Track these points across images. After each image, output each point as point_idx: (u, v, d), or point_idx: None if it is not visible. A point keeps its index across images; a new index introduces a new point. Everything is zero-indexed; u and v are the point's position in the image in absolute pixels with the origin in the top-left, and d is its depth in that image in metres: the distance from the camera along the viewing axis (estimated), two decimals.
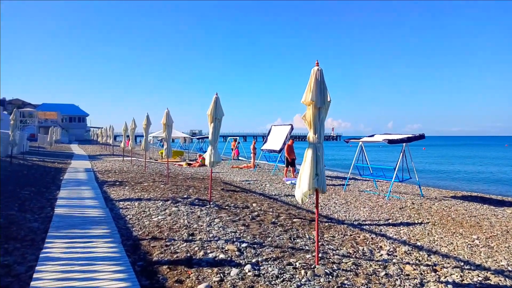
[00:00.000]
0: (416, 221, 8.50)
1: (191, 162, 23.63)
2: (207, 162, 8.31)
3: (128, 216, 7.20)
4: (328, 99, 4.62)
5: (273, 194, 12.16)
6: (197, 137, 32.86)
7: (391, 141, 11.09)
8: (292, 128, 17.96)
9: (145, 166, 16.85)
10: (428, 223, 8.36)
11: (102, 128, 43.11)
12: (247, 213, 8.06)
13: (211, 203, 8.72)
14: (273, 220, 7.60)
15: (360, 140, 12.70)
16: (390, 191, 11.38)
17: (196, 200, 9.01)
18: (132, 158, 22.27)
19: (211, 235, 6.02)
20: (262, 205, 9.37)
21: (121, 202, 8.56)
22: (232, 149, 28.17)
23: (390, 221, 8.55)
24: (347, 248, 6.09)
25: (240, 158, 27.88)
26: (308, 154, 4.71)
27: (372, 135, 13.00)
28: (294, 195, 11.75)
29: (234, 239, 5.85)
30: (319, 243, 6.23)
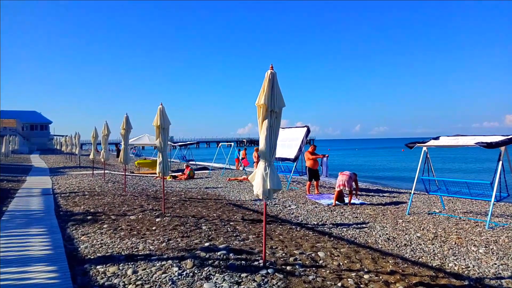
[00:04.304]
0: None
1: (175, 175, 19.69)
2: (258, 190, 4.60)
3: None
4: None
5: (314, 223, 8.62)
6: (179, 144, 28.85)
7: (490, 145, 7.77)
8: (308, 131, 14.44)
9: (125, 185, 12.85)
10: None
11: (66, 136, 38.21)
12: (336, 283, 4.44)
13: (266, 263, 4.98)
14: None
15: (425, 144, 9.33)
16: (490, 216, 8.02)
17: (232, 255, 5.26)
18: (105, 171, 18.08)
19: None
20: (332, 255, 5.77)
21: (100, 268, 4.71)
22: (243, 158, 24.14)
23: None
24: None
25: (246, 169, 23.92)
26: None
27: (437, 137, 9.67)
28: (342, 224, 8.19)
29: None
30: None
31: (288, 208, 10.49)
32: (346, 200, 11.01)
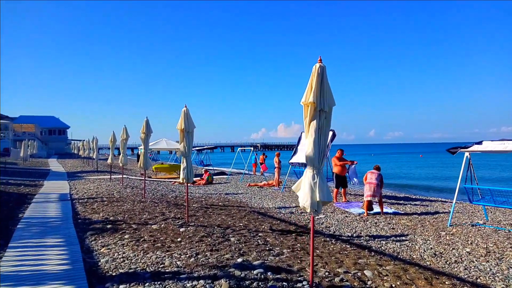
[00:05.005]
0: None
1: (194, 179, 19.20)
2: (305, 202, 3.99)
3: None
4: None
5: (349, 235, 7.98)
6: (197, 148, 28.45)
7: None
8: (334, 135, 13.75)
9: (145, 191, 12.39)
10: None
11: (84, 140, 38.29)
12: None
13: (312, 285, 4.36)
14: None
15: (469, 149, 8.59)
16: None
17: (270, 274, 4.66)
18: (123, 176, 17.70)
19: None
20: (380, 274, 5.12)
21: None
22: (261, 164, 23.65)
23: None
24: None
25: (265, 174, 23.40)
26: None
27: (480, 142, 8.92)
28: (379, 236, 7.48)
29: None
30: None
31: (316, 217, 9.84)
32: (375, 208, 10.33)
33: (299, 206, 11.30)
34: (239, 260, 5.19)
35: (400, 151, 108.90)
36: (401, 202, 12.70)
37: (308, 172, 4.01)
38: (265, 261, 5.20)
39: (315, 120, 3.93)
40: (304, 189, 3.98)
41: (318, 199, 3.91)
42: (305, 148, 4.03)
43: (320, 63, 3.94)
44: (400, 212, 10.47)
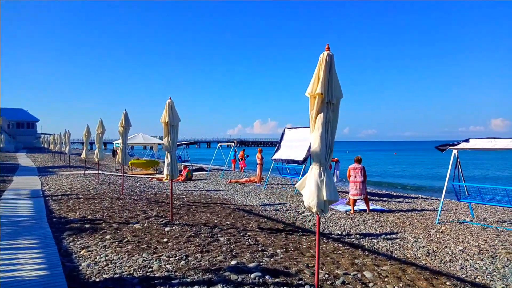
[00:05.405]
0: None
1: None
2: (311, 201, 3.71)
3: None
4: None
5: (338, 233, 7.81)
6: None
7: None
8: None
9: (123, 187, 11.82)
10: None
11: (55, 134, 36.77)
12: None
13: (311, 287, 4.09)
14: None
15: (457, 147, 8.56)
16: None
17: (268, 278, 4.36)
18: (98, 172, 16.95)
19: None
20: (379, 275, 4.93)
21: None
22: (240, 160, 23.08)
23: None
24: None
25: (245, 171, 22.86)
26: None
27: (467, 140, 8.92)
28: (369, 234, 7.31)
29: None
30: None
31: (303, 215, 9.62)
32: (360, 204, 10.27)
33: (284, 203, 11.10)
34: (233, 262, 4.86)
35: (375, 149, 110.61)
36: (384, 199, 12.69)
37: (314, 169, 3.73)
38: (261, 263, 4.90)
39: (322, 113, 3.64)
40: (309, 187, 3.69)
41: (325, 198, 3.64)
42: (311, 143, 3.73)
43: (328, 51, 3.65)
44: (386, 209, 10.40)
